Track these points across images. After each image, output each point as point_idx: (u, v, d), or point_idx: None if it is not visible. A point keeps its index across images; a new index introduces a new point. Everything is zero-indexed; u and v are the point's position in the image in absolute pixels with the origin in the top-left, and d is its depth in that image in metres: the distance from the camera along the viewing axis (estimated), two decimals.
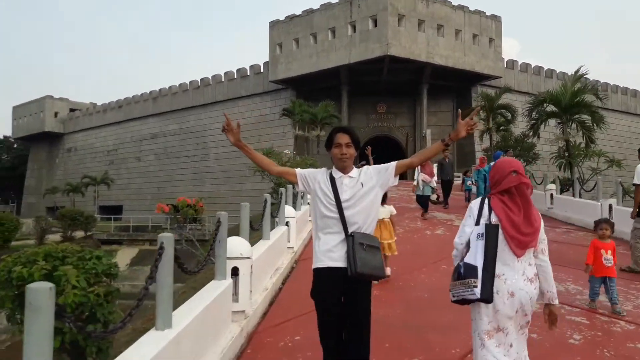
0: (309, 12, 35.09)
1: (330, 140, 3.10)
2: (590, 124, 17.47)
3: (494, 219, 2.71)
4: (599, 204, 10.86)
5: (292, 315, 5.26)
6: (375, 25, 31.76)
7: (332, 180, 3.02)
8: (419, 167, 11.44)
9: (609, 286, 5.15)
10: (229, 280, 4.28)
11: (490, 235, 2.65)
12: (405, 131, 36.22)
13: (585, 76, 17.55)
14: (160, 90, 47.83)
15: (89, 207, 43.41)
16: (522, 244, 2.67)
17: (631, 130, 43.77)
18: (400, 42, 31.45)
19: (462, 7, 34.64)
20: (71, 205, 43.08)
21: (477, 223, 2.75)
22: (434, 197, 13.37)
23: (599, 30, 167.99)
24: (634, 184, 6.82)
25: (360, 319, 2.93)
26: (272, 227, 7.65)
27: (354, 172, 3.07)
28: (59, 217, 24.08)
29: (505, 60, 38.29)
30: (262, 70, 39.62)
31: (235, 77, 41.77)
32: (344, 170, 3.05)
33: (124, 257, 26.62)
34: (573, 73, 17.49)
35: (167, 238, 3.03)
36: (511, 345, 2.70)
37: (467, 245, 2.76)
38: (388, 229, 6.56)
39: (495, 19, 36.30)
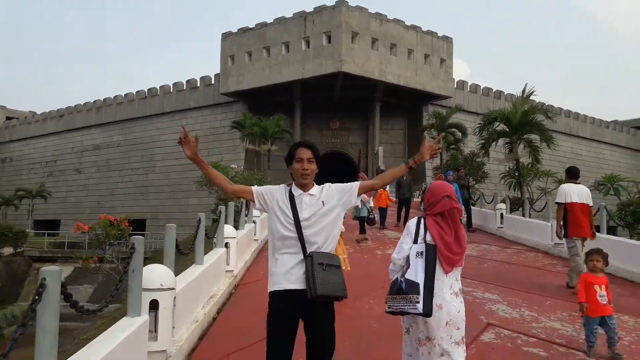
0: (263, 26, 34.63)
1: (291, 155, 2.94)
2: (538, 144, 17.76)
3: (428, 238, 2.97)
4: (550, 224, 10.72)
5: (227, 351, 4.61)
6: (329, 42, 31.66)
7: (292, 197, 2.87)
8: None
9: (609, 325, 4.33)
10: (145, 317, 3.60)
11: (429, 255, 2.89)
12: (358, 148, 36.14)
13: (534, 95, 17.80)
14: (104, 99, 45.93)
15: (24, 221, 40.90)
16: (451, 261, 2.96)
17: (574, 152, 45.48)
18: (353, 60, 31.45)
19: (414, 27, 35.12)
20: (2, 219, 40.43)
21: (415, 241, 3.00)
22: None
23: (546, 54, 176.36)
24: (556, 202, 7.07)
25: (325, 345, 2.79)
26: (212, 249, 6.98)
27: (315, 189, 2.93)
28: None
29: (456, 81, 39.05)
30: (212, 82, 38.69)
31: (185, 88, 40.61)
32: (305, 187, 2.90)
33: None
34: (521, 92, 17.72)
35: (51, 273, 2.36)
36: (442, 355, 2.88)
37: (405, 262, 2.97)
38: (341, 245, 6.30)
39: (447, 40, 37.00)
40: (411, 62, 34.57)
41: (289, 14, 33.70)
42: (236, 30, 35.80)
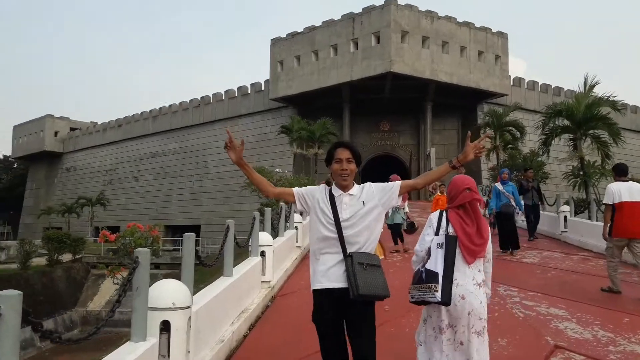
0: (311, 29, 34.42)
1: (330, 155, 2.97)
2: (606, 139, 16.31)
3: (450, 230, 3.04)
4: None
5: None
6: (378, 42, 31.00)
7: (332, 198, 2.89)
8: None
9: None
10: (152, 341, 3.19)
11: (449, 245, 2.97)
12: (409, 150, 35.20)
13: (598, 86, 16.31)
14: (160, 108, 47.23)
15: (85, 228, 42.47)
16: (473, 253, 3.01)
17: None
18: (403, 59, 30.64)
19: (467, 24, 33.86)
20: (66, 226, 42.12)
21: (437, 233, 3.07)
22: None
23: (606, 49, 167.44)
24: (604, 204, 7.01)
25: (368, 343, 2.80)
26: (245, 258, 6.58)
27: (355, 189, 2.94)
28: (44, 239, 22.97)
29: (512, 78, 37.39)
30: (263, 88, 38.91)
31: (236, 95, 41.09)
32: (345, 187, 2.91)
33: (109, 284, 25.49)
34: (582, 84, 16.27)
35: (7, 299, 1.96)
36: (461, 343, 2.96)
37: (427, 253, 3.07)
38: (380, 247, 5.87)
39: (502, 35, 35.49)
40: (464, 60, 33.34)
41: (337, 17, 33.30)
42: (285, 35, 35.77)
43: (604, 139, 16.42)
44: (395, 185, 2.96)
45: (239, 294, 5.24)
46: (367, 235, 2.83)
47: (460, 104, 35.03)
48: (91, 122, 57.42)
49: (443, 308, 2.96)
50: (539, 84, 39.62)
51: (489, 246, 3.14)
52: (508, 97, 34.48)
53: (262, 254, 6.56)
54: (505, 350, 4.55)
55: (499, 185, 10.20)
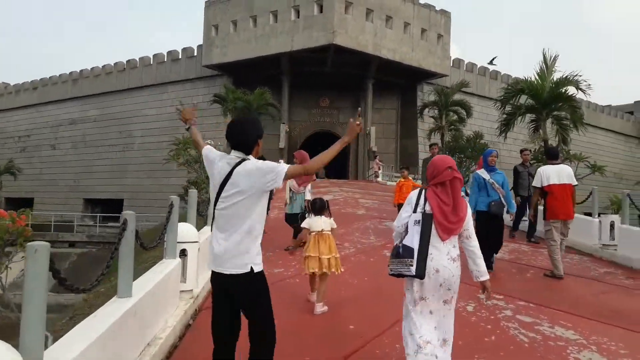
0: None
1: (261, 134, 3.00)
2: (567, 123, 15.38)
3: (427, 208, 3.15)
4: (597, 220, 8.75)
5: None
6: (321, 11, 29.31)
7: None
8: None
9: None
10: None
11: (425, 223, 3.10)
12: None
13: (557, 58, 15.10)
14: (81, 71, 43.10)
15: None
16: (448, 230, 3.11)
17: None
18: (346, 31, 29.16)
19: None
20: None
21: (415, 211, 3.17)
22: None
23: (531, 36, 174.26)
24: (532, 186, 7.20)
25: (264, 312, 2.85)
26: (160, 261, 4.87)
27: None
28: None
29: (452, 59, 36.87)
30: (195, 54, 36.14)
31: (166, 60, 37.96)
32: None
33: (18, 264, 22.68)
34: (542, 62, 15.14)
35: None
36: (431, 312, 3.11)
37: (405, 229, 3.16)
38: (327, 242, 4.97)
39: (445, 14, 34.82)
40: (407, 37, 32.36)
41: None
42: None
43: (565, 122, 15.50)
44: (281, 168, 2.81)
45: (141, 321, 3.54)
46: None
47: (400, 83, 34.17)
48: (2, 83, 51.85)
49: (416, 281, 3.07)
50: (477, 66, 39.43)
51: (468, 222, 3.18)
52: (448, 78, 33.96)
53: (183, 252, 4.88)
54: None
55: (483, 174, 6.90)
